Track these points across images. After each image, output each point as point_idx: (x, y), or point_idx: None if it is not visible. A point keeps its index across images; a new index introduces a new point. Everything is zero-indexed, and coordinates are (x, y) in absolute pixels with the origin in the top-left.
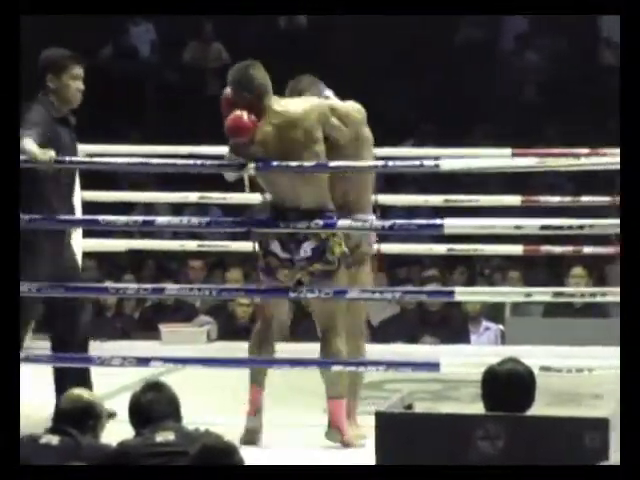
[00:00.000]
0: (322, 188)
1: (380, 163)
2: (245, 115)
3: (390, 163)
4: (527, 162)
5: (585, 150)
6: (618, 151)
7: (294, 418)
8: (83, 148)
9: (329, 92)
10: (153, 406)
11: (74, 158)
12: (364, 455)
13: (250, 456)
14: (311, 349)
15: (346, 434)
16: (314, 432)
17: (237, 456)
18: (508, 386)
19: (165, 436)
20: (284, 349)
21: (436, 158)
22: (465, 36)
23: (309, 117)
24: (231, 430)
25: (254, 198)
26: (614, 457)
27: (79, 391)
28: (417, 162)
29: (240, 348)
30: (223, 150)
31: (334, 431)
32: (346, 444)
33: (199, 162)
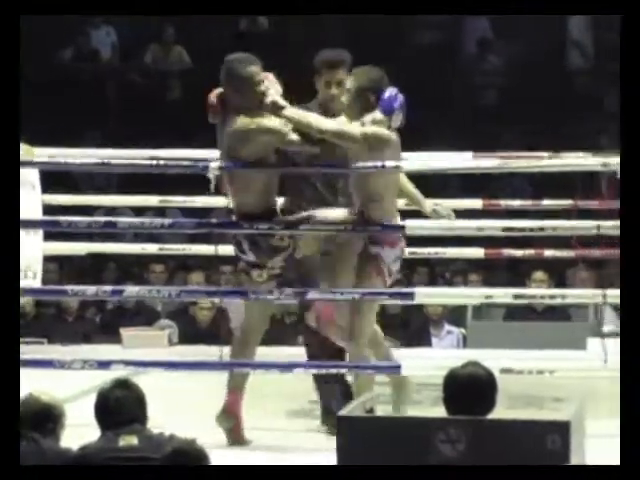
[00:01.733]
0: (255, 192)
1: (343, 164)
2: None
3: (353, 165)
4: (490, 163)
5: (546, 153)
6: (579, 154)
7: (256, 421)
8: (44, 151)
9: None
10: (120, 404)
11: (36, 159)
12: (326, 459)
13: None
14: (288, 353)
15: (239, 425)
16: (278, 435)
17: (207, 460)
18: (469, 389)
19: (128, 440)
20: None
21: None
22: (427, 39)
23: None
24: (192, 434)
25: (214, 201)
26: (575, 460)
27: (38, 393)
28: (379, 163)
29: (201, 352)
30: (183, 153)
31: (227, 416)
32: (234, 437)
33: (162, 163)
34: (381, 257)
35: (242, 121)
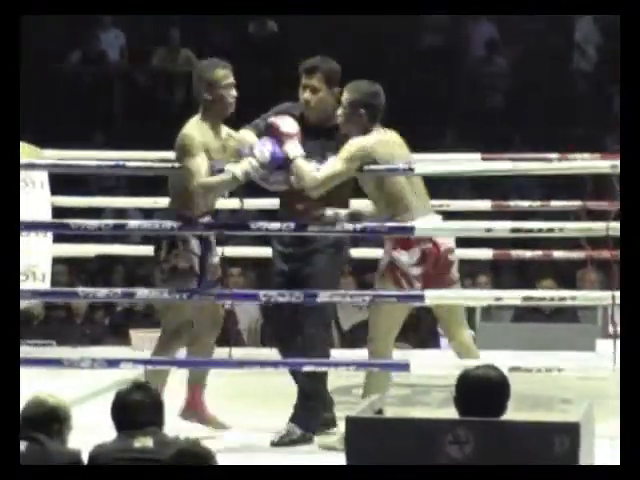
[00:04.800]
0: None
1: (354, 167)
2: None
3: (365, 167)
4: (501, 166)
5: (555, 155)
6: (585, 156)
7: (263, 421)
8: (53, 153)
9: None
10: (138, 408)
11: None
12: (335, 460)
13: (222, 459)
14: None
15: (202, 415)
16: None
17: (213, 461)
18: (481, 391)
19: (143, 442)
20: (255, 354)
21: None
22: (435, 41)
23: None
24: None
25: (221, 203)
26: (584, 461)
27: (44, 395)
28: (391, 165)
29: None
30: None
31: (190, 412)
32: (208, 423)
33: (176, 165)
34: (398, 261)
35: (183, 134)
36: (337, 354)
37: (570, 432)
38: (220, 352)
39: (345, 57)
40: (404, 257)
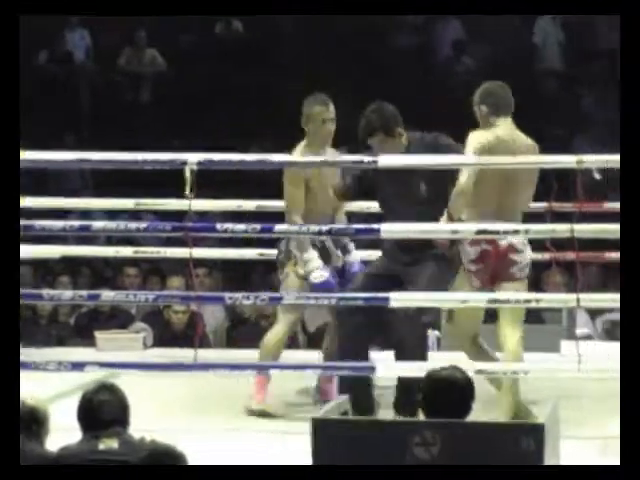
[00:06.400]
0: None
1: (319, 159)
2: None
3: (329, 159)
4: (465, 160)
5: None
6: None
7: (228, 423)
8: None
9: None
10: (104, 408)
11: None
12: (301, 461)
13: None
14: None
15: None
16: (252, 436)
17: (184, 463)
18: (446, 392)
19: (108, 444)
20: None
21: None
22: (402, 41)
23: None
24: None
25: (190, 204)
26: (549, 462)
27: (23, 396)
28: (357, 158)
29: (175, 355)
30: (156, 156)
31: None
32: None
33: (141, 159)
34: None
35: (287, 174)
36: (304, 356)
37: (535, 433)
38: (186, 354)
39: (312, 56)
40: (468, 251)
